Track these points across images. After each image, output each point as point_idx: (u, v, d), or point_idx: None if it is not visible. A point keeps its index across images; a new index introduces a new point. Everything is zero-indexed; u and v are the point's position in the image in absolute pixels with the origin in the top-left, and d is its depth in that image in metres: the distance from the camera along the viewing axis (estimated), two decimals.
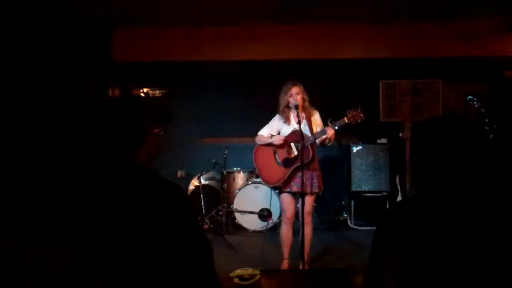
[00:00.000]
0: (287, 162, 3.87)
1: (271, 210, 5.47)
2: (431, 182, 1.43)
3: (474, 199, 1.35)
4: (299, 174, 3.77)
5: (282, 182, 3.87)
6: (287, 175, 3.83)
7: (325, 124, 3.92)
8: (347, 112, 3.78)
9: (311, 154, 3.74)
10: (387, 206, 5.82)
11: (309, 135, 3.81)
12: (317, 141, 3.82)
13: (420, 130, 1.48)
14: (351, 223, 5.99)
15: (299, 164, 3.75)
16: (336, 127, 3.72)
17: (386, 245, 1.39)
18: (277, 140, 3.88)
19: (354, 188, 5.94)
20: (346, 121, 3.76)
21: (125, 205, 1.37)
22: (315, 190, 3.89)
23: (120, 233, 1.34)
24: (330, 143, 3.87)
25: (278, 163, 3.93)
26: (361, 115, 3.76)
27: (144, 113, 1.53)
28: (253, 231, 5.59)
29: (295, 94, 3.83)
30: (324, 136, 3.75)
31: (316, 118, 3.97)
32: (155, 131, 1.56)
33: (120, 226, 1.35)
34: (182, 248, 1.36)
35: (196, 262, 1.38)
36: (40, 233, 1.38)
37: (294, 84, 3.87)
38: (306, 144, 3.72)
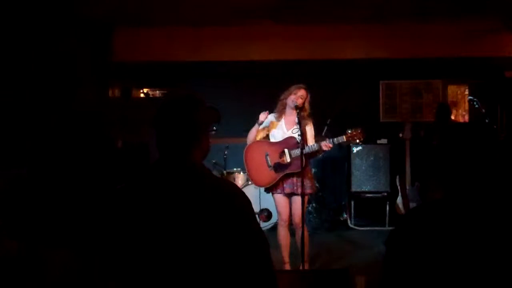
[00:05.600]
0: (278, 167, 3.86)
1: (271, 210, 5.47)
2: (461, 189, 1.39)
3: (505, 211, 1.33)
4: (290, 176, 3.81)
5: (271, 186, 3.88)
6: (276, 180, 3.84)
7: (317, 132, 3.95)
8: (347, 131, 3.79)
9: (303, 164, 3.73)
10: (387, 207, 5.83)
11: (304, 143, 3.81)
12: (308, 151, 3.81)
13: (457, 135, 1.44)
14: (351, 223, 5.99)
15: (289, 171, 3.79)
16: (334, 143, 3.74)
17: (402, 250, 1.36)
18: (261, 115, 3.88)
19: (354, 188, 5.93)
20: (345, 139, 3.77)
21: (190, 207, 1.37)
22: (309, 190, 3.91)
23: (185, 232, 1.35)
24: (320, 155, 3.92)
25: (269, 166, 3.91)
26: (361, 136, 3.78)
27: (201, 112, 1.52)
28: None
29: (299, 96, 3.82)
30: (315, 150, 3.78)
31: (310, 130, 3.97)
32: (209, 130, 1.56)
33: (186, 227, 1.35)
34: (244, 246, 1.37)
35: (256, 259, 1.39)
36: (46, 234, 1.38)
37: (304, 89, 3.87)
38: (300, 153, 3.72)
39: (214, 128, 1.60)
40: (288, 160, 3.82)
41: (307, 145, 3.80)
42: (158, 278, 1.32)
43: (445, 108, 5.51)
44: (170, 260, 1.33)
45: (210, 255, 1.33)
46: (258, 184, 4.02)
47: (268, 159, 3.91)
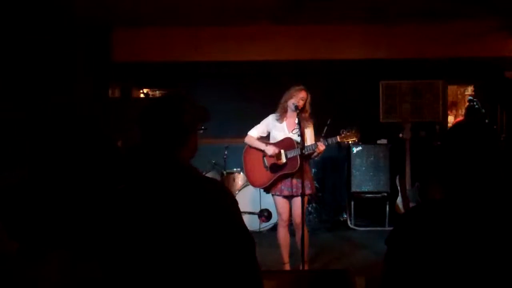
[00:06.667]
0: (274, 168, 3.87)
1: (271, 210, 5.46)
2: (461, 189, 1.39)
3: (506, 211, 1.32)
4: (289, 178, 3.81)
5: (266, 187, 3.89)
6: (271, 180, 3.85)
7: (317, 133, 3.94)
8: (341, 131, 3.78)
9: (298, 164, 3.72)
10: (387, 207, 5.83)
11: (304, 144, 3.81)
12: (306, 153, 3.81)
13: (458, 136, 1.44)
14: (351, 223, 5.99)
15: (285, 172, 3.80)
16: (327, 144, 3.73)
17: (403, 248, 1.36)
18: (271, 151, 3.85)
19: (354, 188, 5.93)
20: (339, 140, 3.75)
21: (176, 206, 1.37)
22: (309, 191, 3.89)
23: (170, 232, 1.35)
24: (318, 157, 3.91)
25: (265, 167, 3.93)
26: (354, 137, 3.75)
27: (188, 111, 1.51)
28: (253, 232, 5.58)
29: (300, 98, 3.82)
30: (312, 151, 3.77)
31: (310, 131, 3.95)
32: (196, 129, 1.56)
33: (171, 225, 1.35)
34: (228, 244, 1.37)
35: (241, 258, 1.39)
36: (46, 235, 1.38)
37: (304, 90, 3.86)
38: (296, 154, 3.72)
39: (203, 127, 1.60)
40: (284, 161, 3.83)
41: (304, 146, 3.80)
42: (146, 276, 1.33)
43: (474, 109, 5.53)
44: (156, 258, 1.33)
45: (195, 253, 1.33)
46: (254, 185, 4.04)
47: (265, 160, 3.93)
